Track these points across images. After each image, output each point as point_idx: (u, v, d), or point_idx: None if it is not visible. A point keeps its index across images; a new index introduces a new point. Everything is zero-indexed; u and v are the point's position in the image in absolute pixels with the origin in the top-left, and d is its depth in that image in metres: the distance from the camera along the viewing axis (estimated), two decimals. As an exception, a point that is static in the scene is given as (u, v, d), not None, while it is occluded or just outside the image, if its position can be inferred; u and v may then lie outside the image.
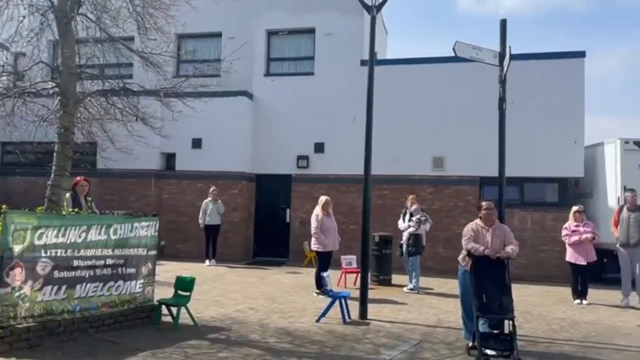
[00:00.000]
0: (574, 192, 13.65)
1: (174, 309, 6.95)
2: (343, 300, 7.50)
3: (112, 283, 6.58)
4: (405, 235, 10.68)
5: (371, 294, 9.05)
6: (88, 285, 6.32)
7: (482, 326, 5.74)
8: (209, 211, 13.52)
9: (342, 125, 14.09)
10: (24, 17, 8.59)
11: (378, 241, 11.25)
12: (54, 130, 8.43)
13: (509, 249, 6.04)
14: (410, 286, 10.45)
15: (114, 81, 9.28)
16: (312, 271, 10.09)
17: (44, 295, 5.89)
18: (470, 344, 5.91)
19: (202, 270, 11.95)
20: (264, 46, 15.47)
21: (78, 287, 6.22)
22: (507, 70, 7.40)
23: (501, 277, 5.88)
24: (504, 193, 7.49)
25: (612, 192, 12.14)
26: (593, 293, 10.11)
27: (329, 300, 7.60)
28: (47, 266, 5.92)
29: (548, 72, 13.30)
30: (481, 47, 7.55)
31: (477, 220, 6.32)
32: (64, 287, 6.07)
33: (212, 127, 14.40)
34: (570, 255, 9.92)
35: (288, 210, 14.95)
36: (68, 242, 6.11)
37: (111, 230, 6.59)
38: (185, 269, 11.41)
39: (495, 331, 5.83)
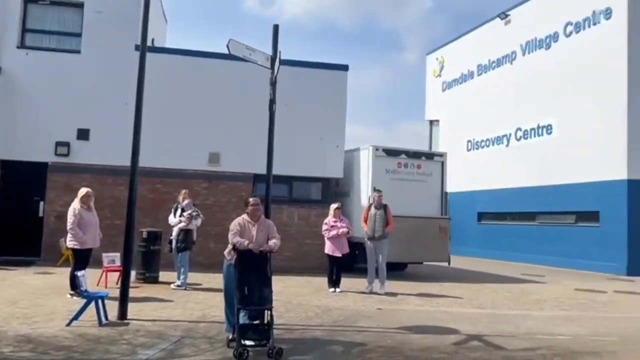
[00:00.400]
0: (335, 190, 15.05)
1: None
2: (99, 301, 6.94)
3: None
4: (175, 231, 10.40)
5: (135, 293, 8.59)
6: None
7: (243, 318, 5.89)
8: None
9: (111, 111, 13.09)
10: None
11: (146, 237, 10.74)
12: None
13: (271, 242, 6.32)
14: (178, 283, 10.22)
15: None
16: (68, 271, 9.10)
17: None
18: (231, 336, 6.02)
19: None
20: (18, 14, 13.47)
21: None
22: (277, 74, 7.75)
23: (263, 270, 6.11)
24: (271, 190, 7.85)
25: (365, 192, 13.74)
26: (346, 281, 11.28)
27: (84, 301, 6.95)
28: None
29: (316, 80, 14.42)
30: (254, 48, 7.76)
31: (244, 215, 6.47)
32: None
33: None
34: (328, 248, 10.92)
35: (42, 203, 13.28)
36: None
37: None
38: None
39: (255, 322, 6.03)
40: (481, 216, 24.27)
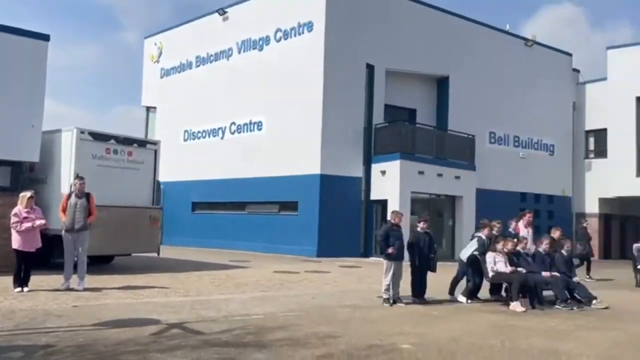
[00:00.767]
0: (29, 176, 13.21)
1: None
2: None
3: None
4: None
5: None
6: None
7: None
8: None
9: None
10: None
11: None
12: None
13: None
14: None
15: None
16: None
17: None
18: None
19: None
20: None
21: None
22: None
23: None
24: None
25: (66, 179, 12.42)
26: (39, 279, 10.02)
27: None
28: None
29: (9, 48, 12.38)
30: None
31: None
32: None
33: None
34: (18, 242, 9.50)
35: None
36: None
37: None
38: None
39: None
40: (195, 206, 24.68)
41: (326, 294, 10.76)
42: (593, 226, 23.55)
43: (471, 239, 11.09)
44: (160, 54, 27.90)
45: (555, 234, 12.16)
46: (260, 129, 22.29)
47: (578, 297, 10.33)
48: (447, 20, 23.29)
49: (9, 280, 9.74)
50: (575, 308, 9.86)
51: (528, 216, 12.40)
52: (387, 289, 9.67)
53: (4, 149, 12.15)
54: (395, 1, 21.98)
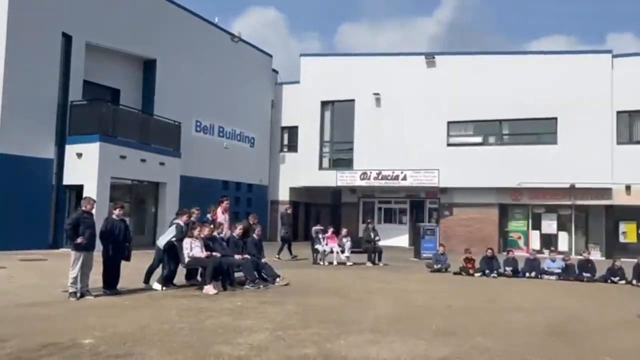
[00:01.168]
0: None
1: None
2: None
3: None
4: None
5: None
6: None
7: None
8: None
9: None
10: None
11: None
12: None
13: None
14: None
15: None
16: None
17: None
18: None
19: None
20: None
21: None
22: None
23: None
24: None
25: None
26: None
27: None
28: None
29: None
30: None
31: None
32: None
33: None
34: None
35: None
36: None
37: None
38: None
39: None
40: None
41: (-3, 293, 9.23)
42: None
43: (169, 226, 11.06)
44: None
45: (253, 220, 13.26)
46: None
47: (265, 276, 11.37)
48: (157, 3, 22.64)
49: None
50: (261, 287, 10.81)
51: (225, 203, 13.08)
52: (74, 282, 8.87)
53: None
54: (101, -29, 20.24)
